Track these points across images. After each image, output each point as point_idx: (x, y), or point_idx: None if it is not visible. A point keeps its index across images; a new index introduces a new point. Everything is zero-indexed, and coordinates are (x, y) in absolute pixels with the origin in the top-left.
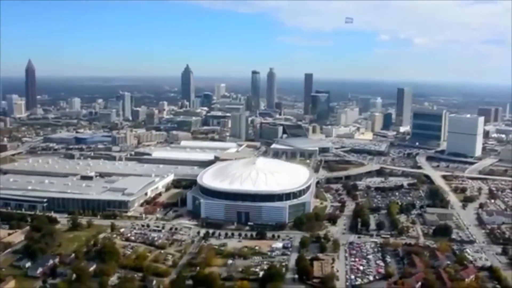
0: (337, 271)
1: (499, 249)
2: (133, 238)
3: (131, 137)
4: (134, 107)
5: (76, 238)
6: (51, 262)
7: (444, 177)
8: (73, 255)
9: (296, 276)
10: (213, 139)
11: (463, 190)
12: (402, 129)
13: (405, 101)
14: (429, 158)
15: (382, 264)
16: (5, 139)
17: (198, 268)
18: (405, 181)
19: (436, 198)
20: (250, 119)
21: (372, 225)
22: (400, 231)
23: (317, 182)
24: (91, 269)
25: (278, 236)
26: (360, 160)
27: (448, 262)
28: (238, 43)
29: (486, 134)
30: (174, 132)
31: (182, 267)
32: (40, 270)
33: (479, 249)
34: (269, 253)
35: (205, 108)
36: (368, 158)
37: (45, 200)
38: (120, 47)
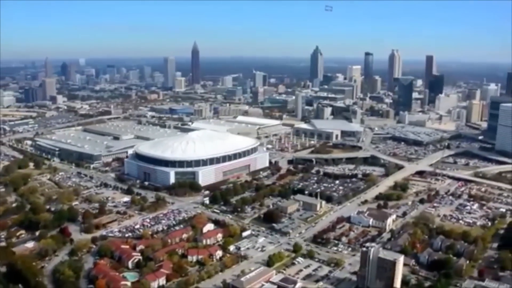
0: (119, 224)
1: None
2: (57, 179)
3: (206, 110)
4: (263, 85)
5: (27, 174)
6: None
7: (420, 172)
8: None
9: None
10: (278, 117)
11: (403, 188)
12: None
13: None
14: (463, 154)
15: (161, 228)
16: (111, 105)
17: (56, 202)
18: (375, 171)
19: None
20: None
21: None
22: (233, 210)
23: (275, 162)
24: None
25: (140, 194)
26: (360, 145)
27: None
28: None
29: None
30: (247, 107)
31: (51, 200)
32: None
33: (279, 242)
34: (109, 202)
35: (316, 89)
36: (395, 146)
37: (57, 149)
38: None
